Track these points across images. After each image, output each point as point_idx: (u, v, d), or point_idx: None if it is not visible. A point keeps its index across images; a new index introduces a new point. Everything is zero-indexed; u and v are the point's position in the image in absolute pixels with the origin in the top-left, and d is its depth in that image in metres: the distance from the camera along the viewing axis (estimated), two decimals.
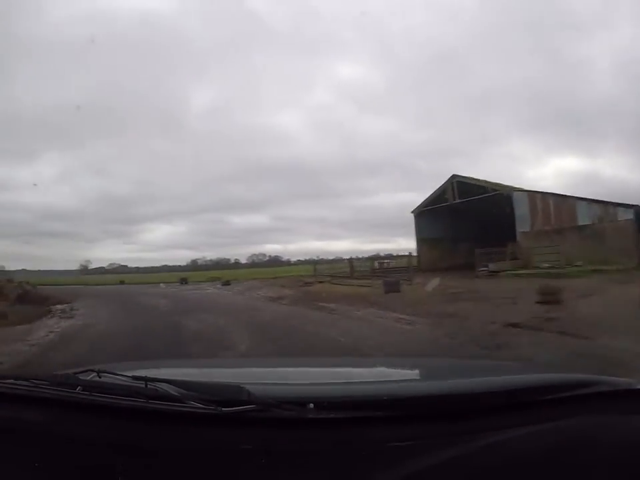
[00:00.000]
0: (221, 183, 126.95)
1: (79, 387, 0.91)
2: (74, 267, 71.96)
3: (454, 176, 24.62)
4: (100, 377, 1.00)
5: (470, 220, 25.04)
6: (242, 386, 0.86)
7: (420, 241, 26.13)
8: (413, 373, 1.54)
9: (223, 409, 0.82)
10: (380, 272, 22.34)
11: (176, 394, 0.87)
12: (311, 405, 0.85)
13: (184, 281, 31.75)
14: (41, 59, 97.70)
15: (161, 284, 30.85)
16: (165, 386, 0.89)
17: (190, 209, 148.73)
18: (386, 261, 28.20)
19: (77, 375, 1.00)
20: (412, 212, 26.69)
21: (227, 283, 26.28)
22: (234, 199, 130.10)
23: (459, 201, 23.86)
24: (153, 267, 74.28)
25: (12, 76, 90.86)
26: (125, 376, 0.98)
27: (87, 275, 61.68)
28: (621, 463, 0.79)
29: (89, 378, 1.00)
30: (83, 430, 0.86)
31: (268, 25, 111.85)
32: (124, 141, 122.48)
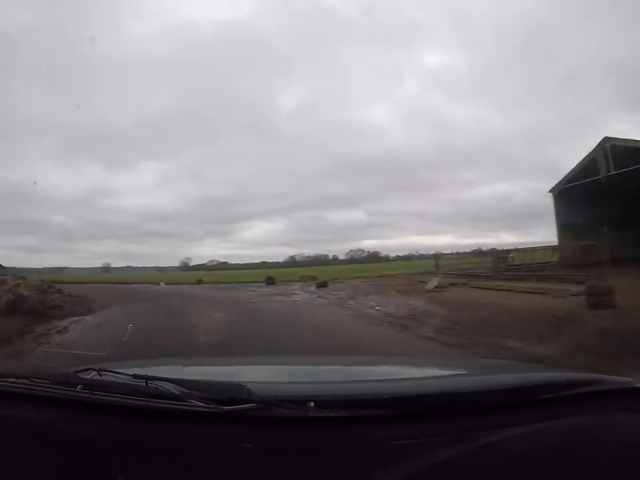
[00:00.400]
0: (316, 180, 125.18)
1: (79, 386, 0.91)
2: (176, 263, 75.81)
3: (606, 139, 17.99)
4: (101, 376, 1.00)
5: (630, 198, 18.18)
6: (242, 384, 0.86)
7: (563, 228, 19.83)
8: (414, 372, 1.52)
9: (224, 407, 0.82)
10: (513, 270, 17.30)
11: (177, 393, 0.86)
12: (312, 404, 0.84)
13: (270, 281, 25.62)
14: (138, 76, 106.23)
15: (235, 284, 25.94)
16: (165, 384, 0.89)
17: (286, 207, 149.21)
18: (510, 255, 21.05)
19: (77, 374, 1.00)
20: (550, 191, 20.84)
21: (322, 285, 20.66)
22: (329, 195, 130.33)
23: (614, 172, 17.29)
24: (252, 264, 72.94)
25: (112, 93, 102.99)
26: (126, 374, 0.98)
27: (186, 271, 62.47)
28: (623, 461, 0.78)
29: (89, 376, 1.00)
30: (83, 428, 0.86)
31: (348, 19, 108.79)
32: (218, 145, 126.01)
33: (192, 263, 75.80)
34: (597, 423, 0.89)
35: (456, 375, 1.36)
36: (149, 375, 0.92)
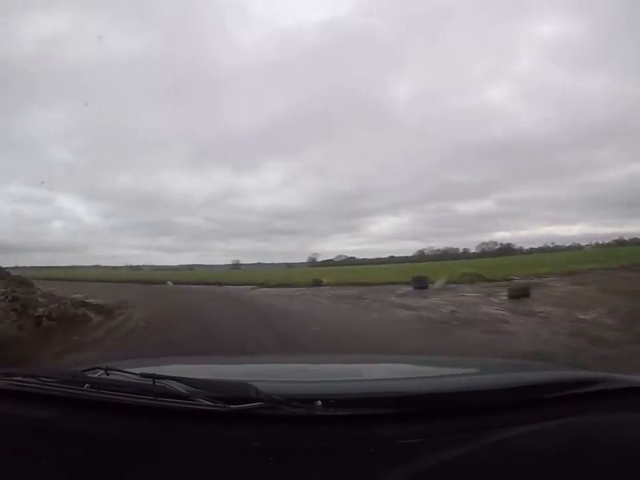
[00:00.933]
0: (441, 170, 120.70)
1: (86, 385, 0.91)
2: (304, 259, 74.81)
3: None
4: (108, 375, 1.00)
5: None
6: (250, 383, 0.86)
7: None
8: (421, 370, 1.53)
9: (231, 406, 0.82)
10: None
11: (184, 391, 0.86)
12: (319, 402, 0.84)
13: (421, 283, 16.39)
14: (257, 81, 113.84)
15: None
16: (172, 383, 0.88)
17: (412, 199, 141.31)
18: None
19: (84, 373, 1.00)
20: None
21: (521, 293, 12.11)
22: (456, 185, 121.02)
23: None
24: (379, 259, 69.56)
25: (236, 101, 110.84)
26: (133, 373, 0.98)
27: (314, 266, 61.90)
28: (630, 460, 0.78)
29: (96, 375, 1.00)
30: (90, 427, 0.86)
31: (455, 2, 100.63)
32: (341, 141, 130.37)
33: (319, 259, 74.55)
34: (604, 422, 0.89)
35: (463, 374, 1.36)
36: (156, 373, 0.92)
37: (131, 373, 0.98)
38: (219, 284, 27.77)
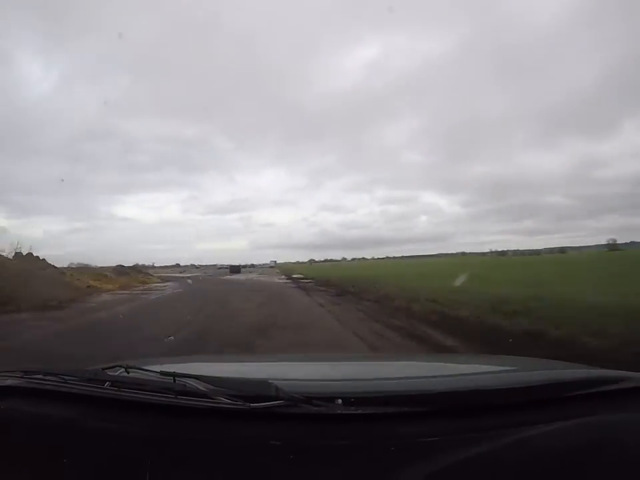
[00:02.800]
0: None
1: (107, 383, 0.92)
2: None
3: None
4: (128, 373, 1.00)
5: None
6: (270, 382, 0.86)
7: None
8: (440, 369, 1.53)
9: (251, 404, 0.82)
10: None
11: (204, 390, 0.86)
12: (339, 401, 0.85)
13: None
14: None
15: None
16: (193, 382, 0.88)
17: None
18: None
19: (105, 371, 1.01)
20: None
21: None
22: None
23: None
24: None
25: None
26: (153, 371, 0.98)
27: None
28: None
29: (117, 373, 1.00)
30: (111, 425, 0.86)
31: None
32: None
33: None
34: (624, 421, 0.88)
35: (482, 372, 1.35)
36: (176, 372, 0.92)
37: (151, 371, 0.99)
38: None
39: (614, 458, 0.78)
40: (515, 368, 1.45)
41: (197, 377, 0.90)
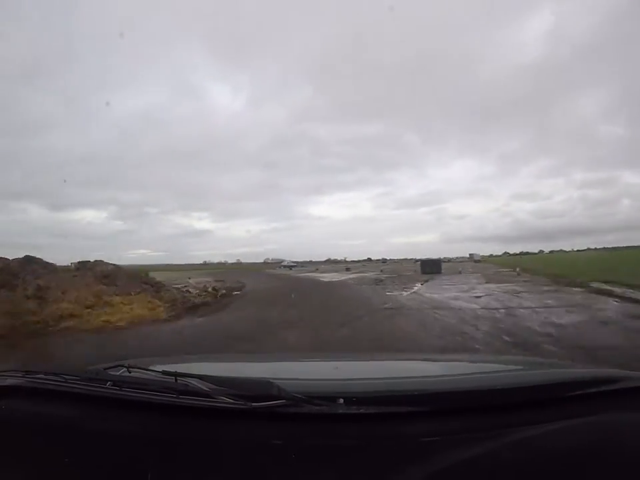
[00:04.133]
0: None
1: (109, 382, 0.92)
2: None
3: None
4: (130, 372, 1.01)
5: None
6: (272, 381, 0.85)
7: None
8: (442, 369, 1.53)
9: (253, 404, 0.82)
10: None
11: (206, 389, 0.86)
12: (341, 401, 0.85)
13: None
14: None
15: None
16: (195, 381, 0.89)
17: None
18: None
19: (106, 370, 1.01)
20: None
21: None
22: None
23: None
24: None
25: None
26: (155, 371, 0.98)
27: None
28: None
29: (118, 373, 1.01)
30: (113, 425, 0.86)
31: None
32: None
33: None
34: (625, 421, 0.88)
35: (484, 372, 1.35)
36: (178, 371, 0.92)
37: (153, 370, 0.99)
38: None
39: (616, 458, 0.78)
40: (517, 368, 1.45)
41: (198, 377, 0.90)
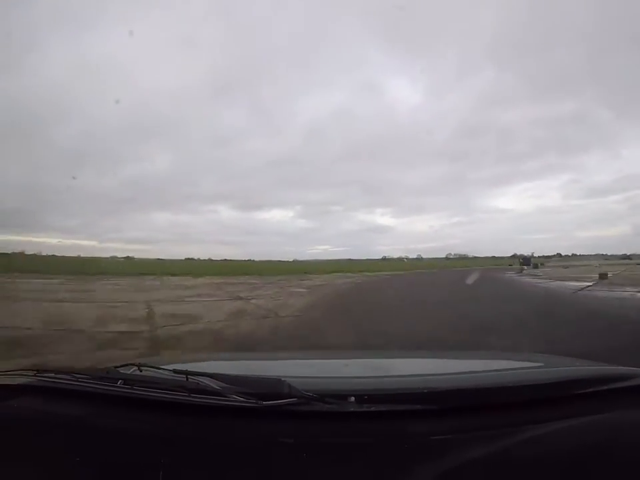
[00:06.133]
0: None
1: (120, 381, 0.92)
2: None
3: None
4: (141, 371, 1.00)
5: None
6: (282, 379, 0.85)
7: None
8: (453, 367, 1.52)
9: (264, 402, 0.82)
10: None
11: (217, 388, 0.86)
12: (352, 398, 0.85)
13: None
14: None
15: None
16: (206, 380, 0.89)
17: None
18: None
19: (117, 369, 1.01)
20: None
21: None
22: None
23: None
24: None
25: None
26: (166, 370, 0.98)
27: None
28: None
29: (129, 372, 1.00)
30: (124, 424, 0.87)
31: None
32: None
33: None
34: (636, 418, 0.88)
35: (494, 370, 1.35)
36: (189, 370, 0.92)
37: (164, 369, 0.99)
38: None
39: (625, 455, 0.78)
40: (527, 365, 1.45)
41: (209, 375, 0.90)
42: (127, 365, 1.06)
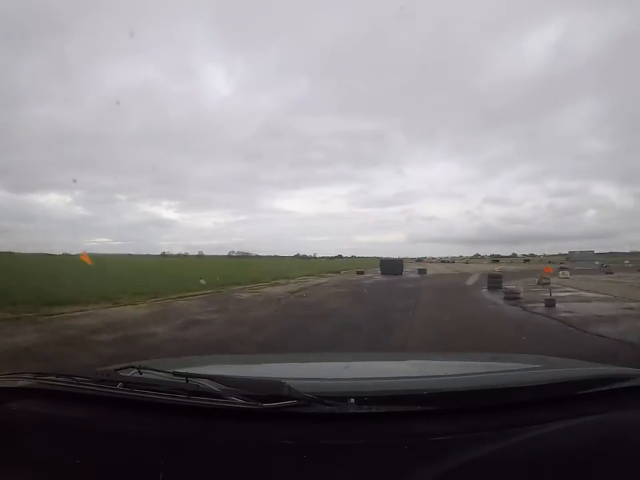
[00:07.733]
0: None
1: (120, 384, 0.92)
2: None
3: None
4: (141, 374, 1.01)
5: None
6: (282, 381, 0.85)
7: None
8: (452, 368, 1.52)
9: (264, 404, 0.82)
10: None
11: (217, 390, 0.86)
12: (352, 400, 0.85)
13: None
14: None
15: None
16: (205, 382, 0.89)
17: None
18: None
19: (117, 372, 1.02)
20: None
21: None
22: None
23: None
24: None
25: None
26: (166, 372, 0.98)
27: None
28: None
29: (129, 374, 1.01)
30: (124, 426, 0.86)
31: None
32: None
33: None
34: (635, 419, 0.88)
35: (495, 371, 1.35)
36: (189, 372, 0.92)
37: (164, 371, 0.99)
38: None
39: (625, 456, 0.78)
40: (527, 366, 1.45)
41: (209, 377, 0.90)
42: (126, 367, 1.06)
